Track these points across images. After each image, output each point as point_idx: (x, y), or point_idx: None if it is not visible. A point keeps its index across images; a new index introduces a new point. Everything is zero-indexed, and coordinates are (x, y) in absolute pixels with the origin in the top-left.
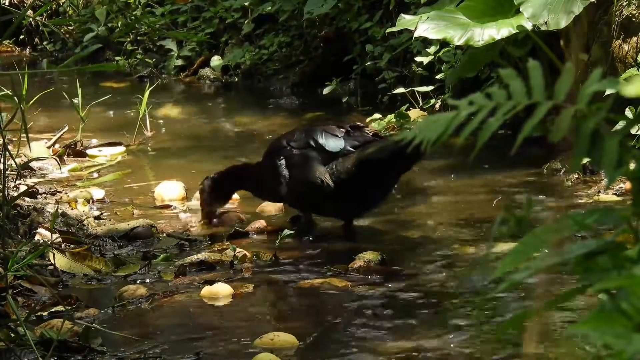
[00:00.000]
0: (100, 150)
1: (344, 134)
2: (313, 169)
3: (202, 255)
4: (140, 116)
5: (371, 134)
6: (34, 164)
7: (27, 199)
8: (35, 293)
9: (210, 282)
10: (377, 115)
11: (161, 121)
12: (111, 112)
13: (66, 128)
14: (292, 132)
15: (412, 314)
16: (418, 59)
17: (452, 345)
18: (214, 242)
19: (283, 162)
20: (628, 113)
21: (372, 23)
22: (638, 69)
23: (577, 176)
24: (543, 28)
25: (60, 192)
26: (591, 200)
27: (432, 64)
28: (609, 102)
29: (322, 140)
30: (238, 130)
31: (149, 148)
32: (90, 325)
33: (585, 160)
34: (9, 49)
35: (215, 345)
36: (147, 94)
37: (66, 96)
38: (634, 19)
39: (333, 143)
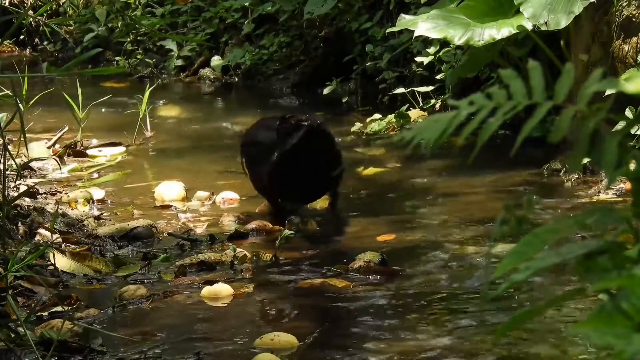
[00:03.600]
0: (100, 151)
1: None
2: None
3: (202, 256)
4: (141, 116)
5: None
6: (34, 164)
7: (27, 199)
8: (35, 293)
9: (211, 283)
10: (377, 116)
11: (161, 121)
12: (109, 111)
13: (66, 128)
14: None
15: (412, 314)
16: (418, 59)
17: (451, 345)
18: (214, 242)
19: None
20: (628, 113)
21: (372, 23)
22: (638, 69)
23: (577, 176)
24: (543, 28)
25: (61, 192)
26: (591, 200)
27: (432, 64)
28: (609, 102)
29: None
30: (238, 131)
31: (149, 148)
32: (90, 326)
33: (585, 160)
34: (9, 49)
35: (215, 345)
36: (147, 94)
37: (66, 97)
38: (634, 19)
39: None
